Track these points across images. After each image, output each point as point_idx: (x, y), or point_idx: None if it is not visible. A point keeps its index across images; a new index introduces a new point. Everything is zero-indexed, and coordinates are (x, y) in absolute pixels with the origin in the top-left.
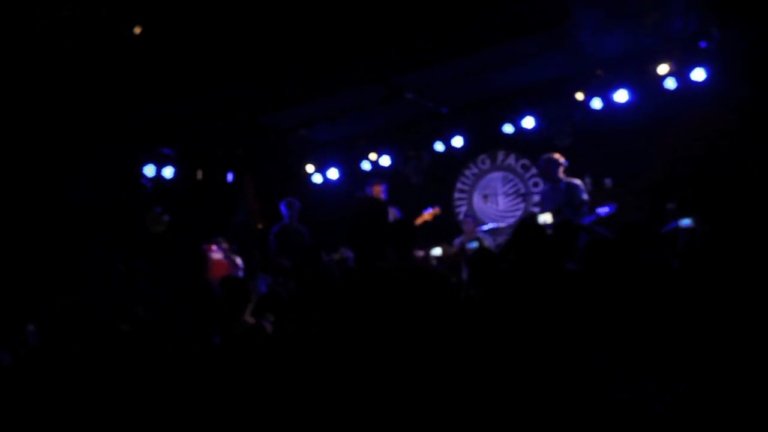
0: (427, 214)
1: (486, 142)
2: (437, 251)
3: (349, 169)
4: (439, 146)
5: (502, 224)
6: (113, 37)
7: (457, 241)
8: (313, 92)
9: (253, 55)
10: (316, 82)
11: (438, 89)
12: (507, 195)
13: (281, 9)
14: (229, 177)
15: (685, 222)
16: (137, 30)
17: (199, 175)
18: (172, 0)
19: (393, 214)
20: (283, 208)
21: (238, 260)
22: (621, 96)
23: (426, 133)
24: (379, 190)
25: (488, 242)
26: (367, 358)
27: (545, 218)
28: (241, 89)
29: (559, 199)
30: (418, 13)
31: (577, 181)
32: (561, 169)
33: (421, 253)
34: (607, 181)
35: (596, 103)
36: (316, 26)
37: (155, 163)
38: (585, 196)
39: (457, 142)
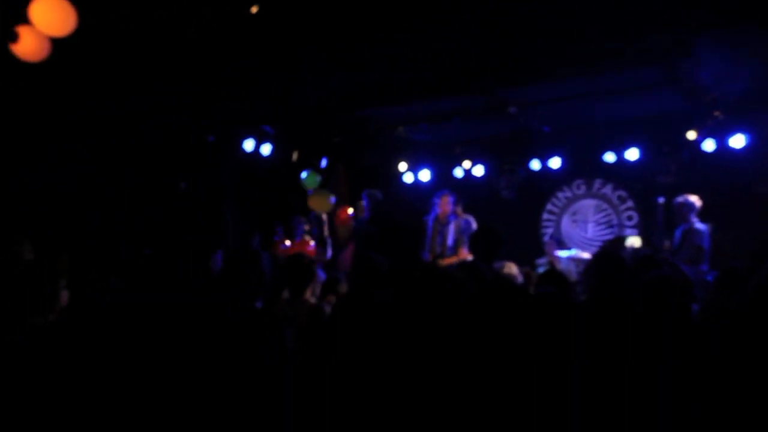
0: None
1: (584, 168)
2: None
3: (441, 173)
4: (535, 164)
5: (584, 254)
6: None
7: (538, 261)
8: (418, 94)
9: (361, 49)
10: (424, 84)
11: (543, 107)
12: (598, 224)
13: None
14: (323, 163)
15: None
16: (254, 9)
17: (295, 156)
18: None
19: (459, 223)
20: (364, 198)
21: (312, 243)
22: (737, 141)
23: (524, 150)
24: (447, 201)
25: (571, 270)
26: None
27: (634, 241)
28: (345, 81)
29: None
30: (533, 28)
31: (702, 227)
32: (694, 213)
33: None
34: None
35: (709, 145)
36: (430, 31)
37: (255, 139)
38: (703, 244)
39: (555, 163)
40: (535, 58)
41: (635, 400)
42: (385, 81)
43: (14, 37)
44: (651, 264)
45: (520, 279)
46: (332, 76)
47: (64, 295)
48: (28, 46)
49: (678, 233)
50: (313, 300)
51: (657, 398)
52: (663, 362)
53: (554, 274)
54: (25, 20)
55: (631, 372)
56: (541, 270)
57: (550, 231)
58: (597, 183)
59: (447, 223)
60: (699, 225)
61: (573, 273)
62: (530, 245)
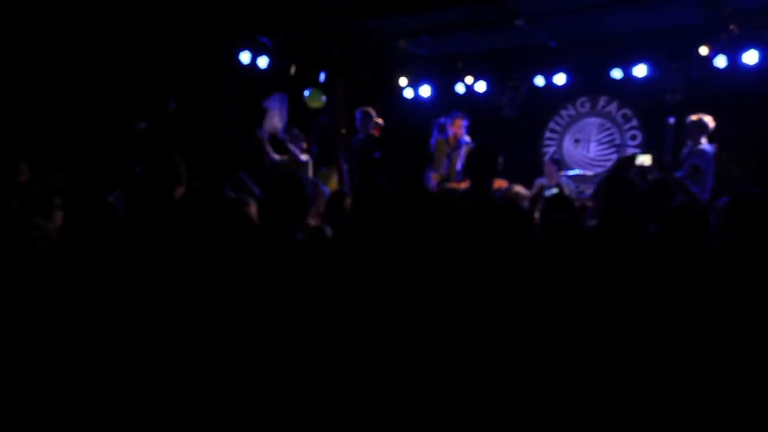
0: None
1: (589, 85)
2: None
3: (443, 89)
4: (539, 80)
5: (588, 172)
6: None
7: (537, 182)
8: (421, 2)
9: None
10: None
11: (551, 20)
12: (601, 143)
13: None
14: (322, 77)
15: None
16: None
17: (293, 70)
18: None
19: (469, 148)
20: (358, 118)
21: (303, 157)
22: (751, 57)
23: (528, 65)
24: (460, 124)
25: (571, 189)
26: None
27: (644, 159)
28: None
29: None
30: None
31: (708, 148)
32: (705, 135)
33: (506, 186)
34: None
35: (720, 62)
36: None
37: (252, 51)
38: (702, 164)
39: (560, 79)
40: None
41: (661, 335)
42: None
43: None
44: (665, 190)
45: (525, 203)
46: None
47: (58, 216)
48: None
49: (685, 152)
50: (313, 222)
51: (688, 333)
52: (692, 301)
53: (562, 198)
54: None
55: (655, 306)
56: (548, 193)
57: (552, 150)
58: (602, 101)
59: (458, 147)
60: (705, 146)
61: (573, 192)
62: (531, 165)
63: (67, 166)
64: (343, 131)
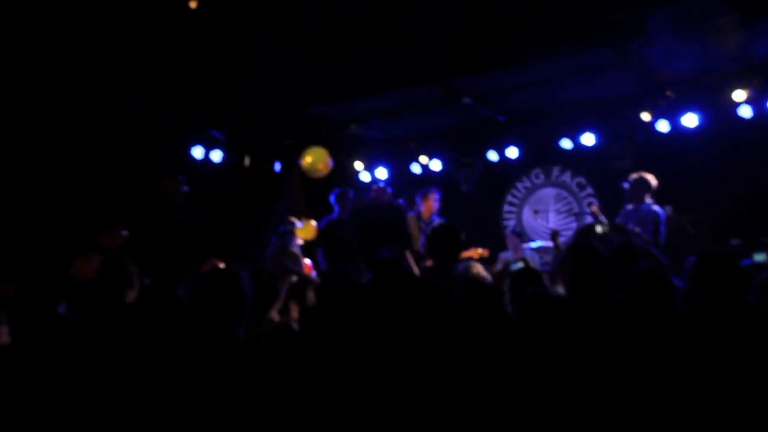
0: (474, 252)
1: (541, 156)
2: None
3: (399, 170)
4: (492, 155)
5: (550, 243)
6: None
7: (502, 255)
8: (366, 87)
9: (309, 44)
10: (371, 76)
11: (497, 96)
12: (559, 212)
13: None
14: (277, 166)
15: (760, 257)
16: (193, 4)
17: (247, 161)
18: None
19: (438, 223)
20: (332, 199)
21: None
22: (690, 120)
23: (480, 141)
24: (434, 198)
25: (535, 261)
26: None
27: (601, 228)
28: (294, 77)
29: (638, 222)
30: (481, 12)
31: (659, 209)
32: (649, 194)
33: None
34: (667, 209)
35: (663, 126)
36: (375, 19)
37: (204, 146)
38: (663, 228)
39: (512, 153)
40: (487, 44)
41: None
42: (334, 76)
43: None
44: (630, 255)
45: (489, 278)
46: (280, 74)
47: (3, 331)
48: None
49: (629, 211)
50: (277, 317)
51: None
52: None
53: (531, 272)
54: None
55: (625, 368)
56: (514, 267)
57: (512, 223)
58: (555, 171)
59: (431, 222)
60: (656, 207)
61: (538, 264)
62: (492, 239)
63: (16, 275)
64: (303, 219)
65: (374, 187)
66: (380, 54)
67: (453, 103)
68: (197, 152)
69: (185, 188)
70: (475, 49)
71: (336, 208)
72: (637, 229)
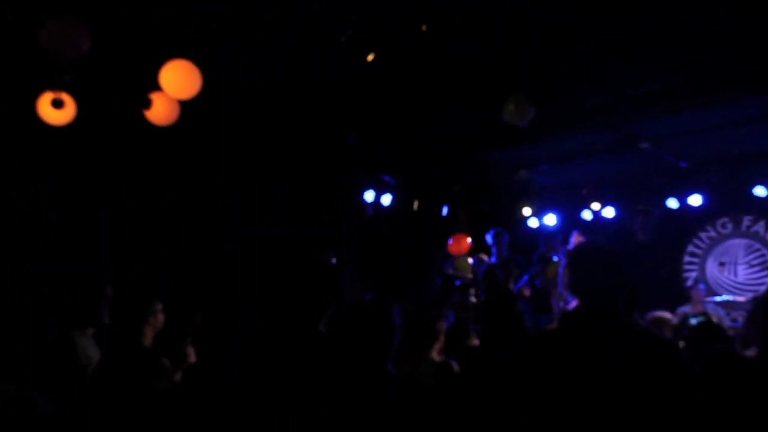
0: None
1: (729, 204)
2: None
3: (569, 217)
4: (672, 203)
5: (739, 298)
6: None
7: (681, 310)
8: (540, 132)
9: (479, 89)
10: (545, 121)
11: (678, 141)
12: (750, 266)
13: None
14: (444, 210)
15: None
16: (370, 57)
17: (416, 205)
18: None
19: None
20: (489, 240)
21: None
22: None
23: (659, 188)
24: (580, 239)
25: (720, 315)
26: None
27: None
28: (465, 124)
29: None
30: (665, 53)
31: None
32: None
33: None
34: None
35: None
36: (548, 66)
37: (375, 190)
38: None
39: (695, 200)
40: (667, 86)
41: None
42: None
43: (148, 104)
44: None
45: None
46: (451, 120)
47: (191, 353)
48: (159, 111)
49: None
50: (437, 357)
51: None
52: None
53: (712, 326)
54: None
55: None
56: (693, 321)
57: (693, 275)
58: (746, 220)
59: None
60: None
61: (723, 319)
62: (671, 292)
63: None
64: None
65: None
66: (553, 98)
67: (628, 149)
68: (368, 195)
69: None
70: (655, 92)
71: (493, 250)
72: None
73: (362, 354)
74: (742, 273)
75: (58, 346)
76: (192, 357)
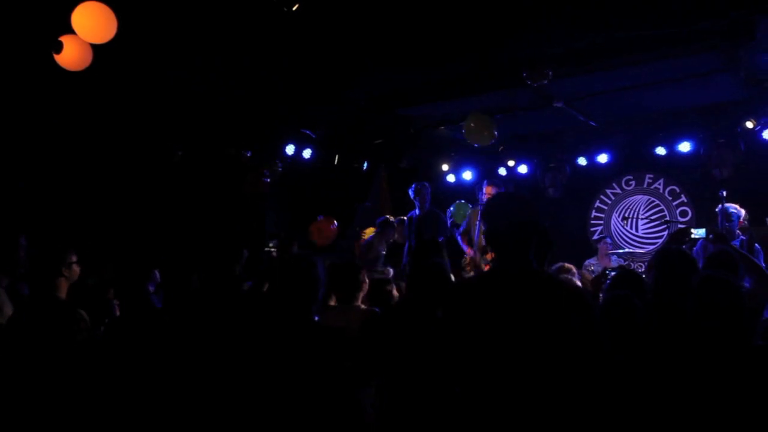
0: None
1: (633, 163)
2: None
3: (485, 173)
4: (581, 160)
5: (639, 250)
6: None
7: (587, 262)
8: (459, 90)
9: (401, 47)
10: (464, 79)
11: (590, 101)
12: (650, 220)
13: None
14: (365, 165)
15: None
16: (294, 7)
17: (336, 160)
18: None
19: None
20: (411, 194)
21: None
22: None
23: (570, 146)
24: (490, 192)
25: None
26: None
27: (699, 232)
28: (384, 80)
29: None
30: (582, 14)
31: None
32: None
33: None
34: None
35: None
36: (469, 19)
37: (295, 144)
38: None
39: (603, 158)
40: (584, 47)
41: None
42: (426, 77)
43: (58, 48)
44: (729, 262)
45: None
46: (372, 76)
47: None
48: (71, 55)
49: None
50: (363, 305)
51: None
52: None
53: (628, 275)
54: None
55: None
56: (611, 273)
57: (599, 229)
58: (647, 178)
59: None
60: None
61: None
62: (579, 245)
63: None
64: (388, 217)
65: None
66: (470, 57)
67: (544, 107)
68: (289, 149)
69: (267, 180)
70: (572, 53)
71: (416, 203)
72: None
73: (289, 305)
74: (642, 227)
75: None
76: (116, 310)
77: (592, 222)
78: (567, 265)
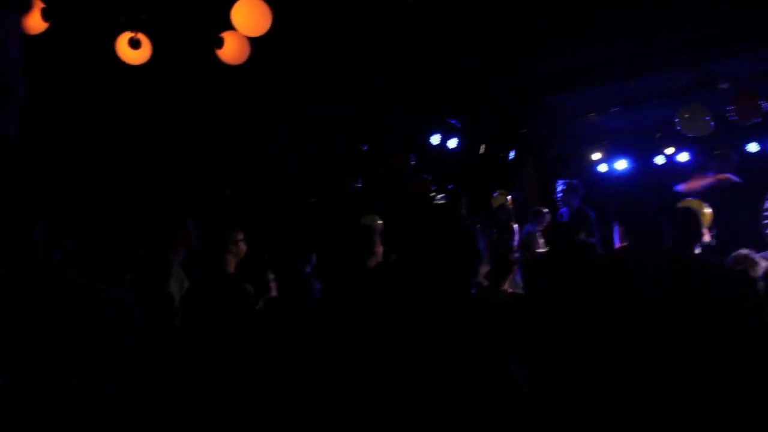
0: None
1: None
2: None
3: (641, 162)
4: (752, 147)
5: None
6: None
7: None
8: (613, 73)
9: (550, 34)
10: (619, 61)
11: (762, 81)
12: None
13: None
14: (511, 155)
15: None
16: None
17: (482, 149)
18: None
19: None
20: (559, 193)
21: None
22: None
23: (737, 130)
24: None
25: None
26: None
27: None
28: (535, 66)
29: None
30: None
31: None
32: None
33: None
34: None
35: None
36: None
37: (442, 133)
38: None
39: None
40: (749, 23)
41: None
42: (576, 61)
43: (219, 43)
44: None
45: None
46: (519, 63)
47: (273, 287)
48: (231, 49)
49: None
50: (509, 288)
51: None
52: None
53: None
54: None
55: None
56: None
57: None
58: None
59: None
60: None
61: None
62: (750, 235)
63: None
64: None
65: None
66: (627, 38)
67: (708, 90)
68: (435, 138)
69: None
70: (732, 27)
71: (566, 200)
72: None
73: (451, 277)
74: None
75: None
76: (273, 290)
77: (765, 214)
78: (743, 252)
